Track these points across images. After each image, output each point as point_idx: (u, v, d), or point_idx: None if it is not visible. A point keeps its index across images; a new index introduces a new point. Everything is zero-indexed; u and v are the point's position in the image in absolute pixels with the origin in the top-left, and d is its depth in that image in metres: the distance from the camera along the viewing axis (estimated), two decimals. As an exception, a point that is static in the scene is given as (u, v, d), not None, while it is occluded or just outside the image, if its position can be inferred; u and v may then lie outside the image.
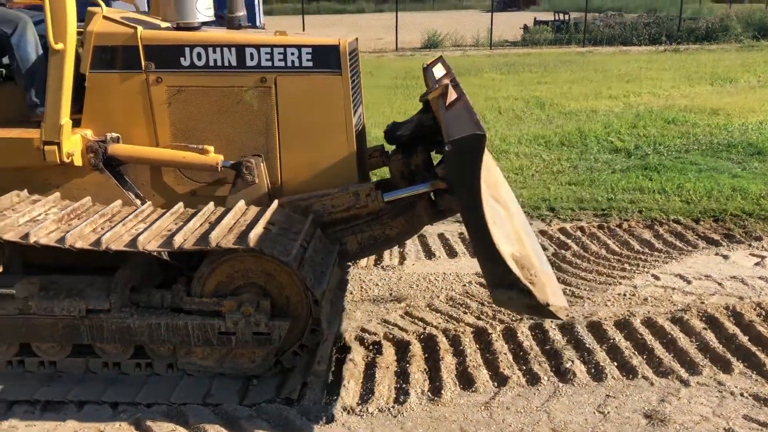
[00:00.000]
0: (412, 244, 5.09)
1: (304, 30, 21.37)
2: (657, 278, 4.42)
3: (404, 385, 3.25)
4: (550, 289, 2.67)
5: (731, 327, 3.68)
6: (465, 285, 4.39)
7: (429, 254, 4.93)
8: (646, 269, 4.56)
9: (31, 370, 3.33)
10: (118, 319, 3.17)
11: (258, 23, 25.41)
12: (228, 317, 3.14)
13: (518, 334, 3.67)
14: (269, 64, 3.45)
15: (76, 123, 3.54)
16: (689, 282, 4.34)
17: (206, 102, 3.51)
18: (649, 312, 3.92)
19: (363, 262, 4.78)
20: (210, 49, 3.44)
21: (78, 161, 3.47)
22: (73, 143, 3.39)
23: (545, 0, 47.25)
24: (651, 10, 29.18)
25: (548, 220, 5.60)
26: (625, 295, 4.17)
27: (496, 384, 3.27)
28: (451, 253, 4.97)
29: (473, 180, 2.40)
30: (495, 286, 2.54)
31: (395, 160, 3.68)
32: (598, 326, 3.75)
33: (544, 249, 4.94)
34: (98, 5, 3.49)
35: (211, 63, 3.46)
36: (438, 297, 4.22)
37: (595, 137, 8.42)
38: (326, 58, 3.44)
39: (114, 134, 3.54)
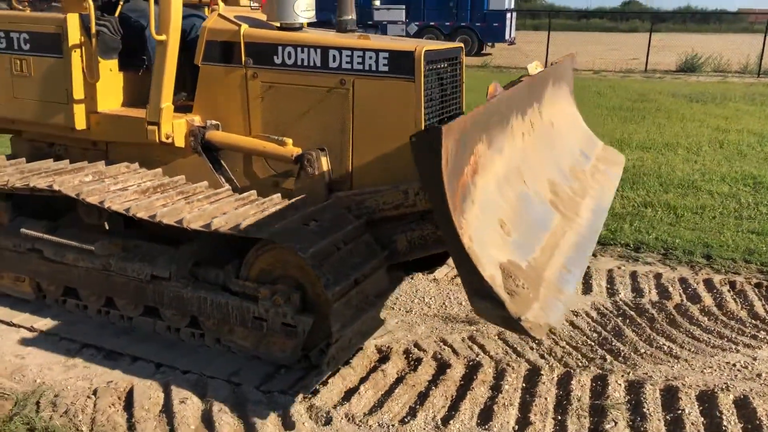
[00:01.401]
0: (525, 270, 4.79)
1: (548, 46, 20.93)
2: (791, 354, 3.66)
3: (419, 407, 3.11)
4: (538, 305, 2.42)
5: None
6: (556, 320, 4.02)
7: (537, 282, 4.59)
8: (784, 342, 3.80)
9: (113, 321, 3.78)
10: (175, 288, 3.46)
11: (508, 37, 25.51)
12: (261, 303, 3.27)
13: (573, 381, 3.30)
14: (349, 66, 3.52)
15: (189, 109, 3.94)
16: (832, 366, 3.53)
17: (292, 99, 3.68)
18: (751, 390, 3.27)
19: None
20: (299, 49, 3.61)
21: (179, 143, 3.84)
22: (174, 126, 3.77)
23: None
24: None
25: (698, 268, 4.88)
26: (734, 365, 3.52)
27: (516, 428, 2.98)
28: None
29: (436, 181, 2.15)
30: (472, 293, 2.37)
31: None
32: (674, 392, 3.22)
33: (669, 298, 4.35)
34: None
35: (299, 62, 3.62)
36: (514, 327, 3.92)
37: (823, 184, 7.14)
38: (401, 63, 3.42)
39: (214, 121, 3.87)
